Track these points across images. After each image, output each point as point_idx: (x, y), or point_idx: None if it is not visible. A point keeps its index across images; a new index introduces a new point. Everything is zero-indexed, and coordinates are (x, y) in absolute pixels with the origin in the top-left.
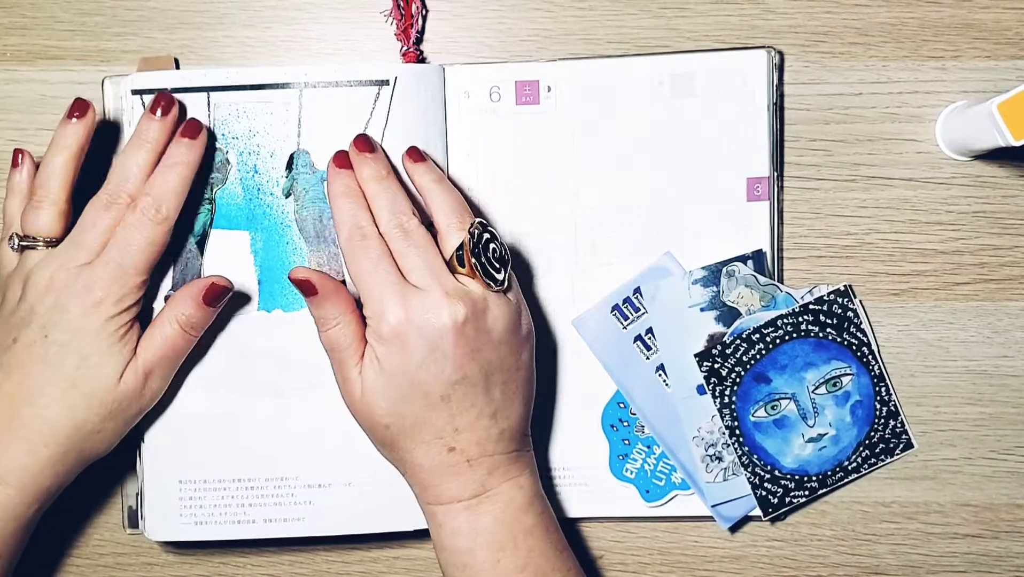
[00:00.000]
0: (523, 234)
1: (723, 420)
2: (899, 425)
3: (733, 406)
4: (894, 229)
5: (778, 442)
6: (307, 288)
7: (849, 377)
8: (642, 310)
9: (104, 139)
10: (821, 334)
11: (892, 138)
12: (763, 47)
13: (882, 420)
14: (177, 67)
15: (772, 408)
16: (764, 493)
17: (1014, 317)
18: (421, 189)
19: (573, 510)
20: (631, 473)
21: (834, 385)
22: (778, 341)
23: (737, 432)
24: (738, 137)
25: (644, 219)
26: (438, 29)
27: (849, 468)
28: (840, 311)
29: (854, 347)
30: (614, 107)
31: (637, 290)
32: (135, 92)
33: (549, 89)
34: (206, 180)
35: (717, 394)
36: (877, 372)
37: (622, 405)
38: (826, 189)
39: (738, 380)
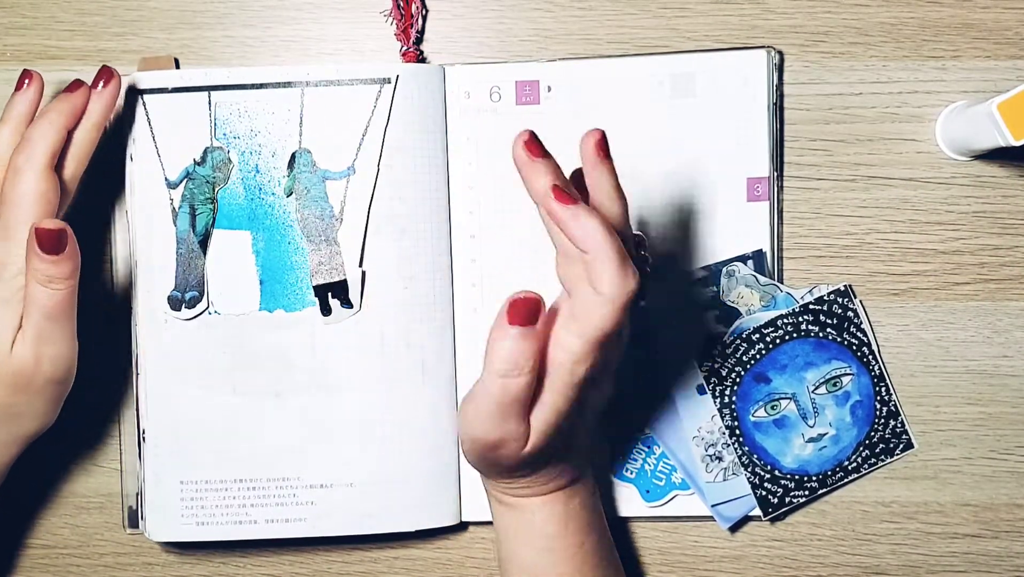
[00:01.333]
0: (524, 234)
1: (723, 420)
2: (899, 425)
3: (733, 406)
4: (894, 229)
5: (778, 442)
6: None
7: (849, 377)
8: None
9: (104, 138)
10: (821, 334)
11: (892, 138)
12: (763, 47)
13: (882, 420)
14: (177, 67)
15: (772, 408)
16: (764, 493)
17: (1014, 317)
18: (595, 195)
19: None
20: (631, 473)
21: (834, 385)
22: (778, 341)
23: (737, 432)
24: (738, 137)
25: (644, 219)
26: (438, 29)
27: (849, 468)
28: (840, 311)
29: (854, 347)
30: (614, 107)
31: None
32: (135, 92)
33: (549, 89)
34: (212, 179)
35: (717, 394)
36: (877, 372)
37: None
38: (826, 189)
39: (738, 380)
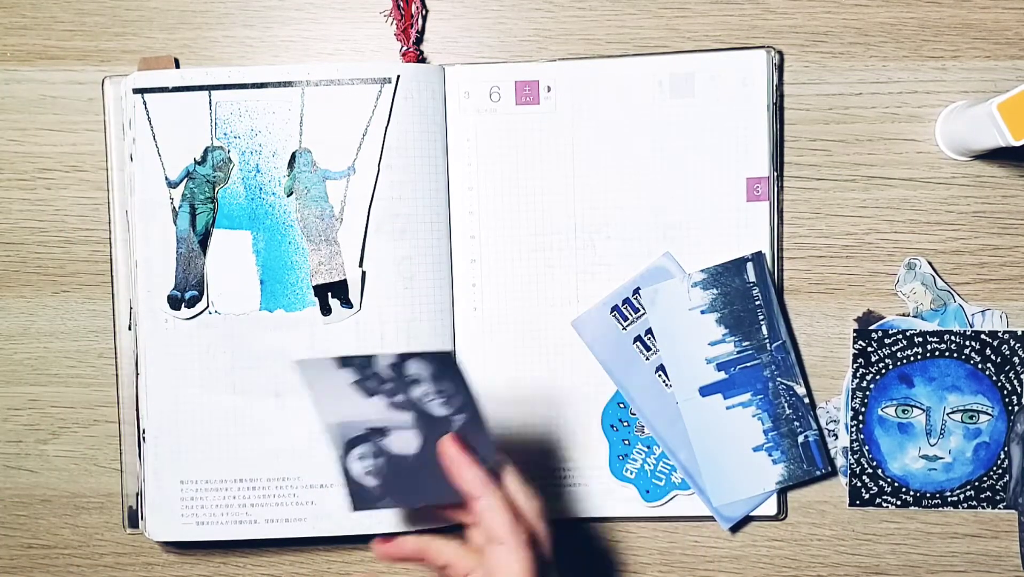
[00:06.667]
0: (523, 234)
1: (851, 399)
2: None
3: (868, 392)
4: (894, 229)
5: (893, 445)
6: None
7: (988, 418)
8: (641, 311)
9: (105, 138)
10: (980, 366)
11: (892, 138)
12: (763, 47)
13: (1000, 470)
14: (177, 67)
15: (903, 411)
16: (858, 484)
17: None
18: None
19: (573, 510)
20: (631, 473)
21: (971, 418)
22: (937, 353)
23: (860, 418)
24: (738, 137)
25: (644, 219)
26: (438, 29)
27: (949, 499)
28: (1008, 353)
29: (1005, 392)
30: (614, 107)
31: (636, 291)
32: (136, 91)
33: (549, 89)
34: (212, 178)
35: (857, 375)
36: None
37: (622, 405)
38: (826, 189)
39: (884, 371)
